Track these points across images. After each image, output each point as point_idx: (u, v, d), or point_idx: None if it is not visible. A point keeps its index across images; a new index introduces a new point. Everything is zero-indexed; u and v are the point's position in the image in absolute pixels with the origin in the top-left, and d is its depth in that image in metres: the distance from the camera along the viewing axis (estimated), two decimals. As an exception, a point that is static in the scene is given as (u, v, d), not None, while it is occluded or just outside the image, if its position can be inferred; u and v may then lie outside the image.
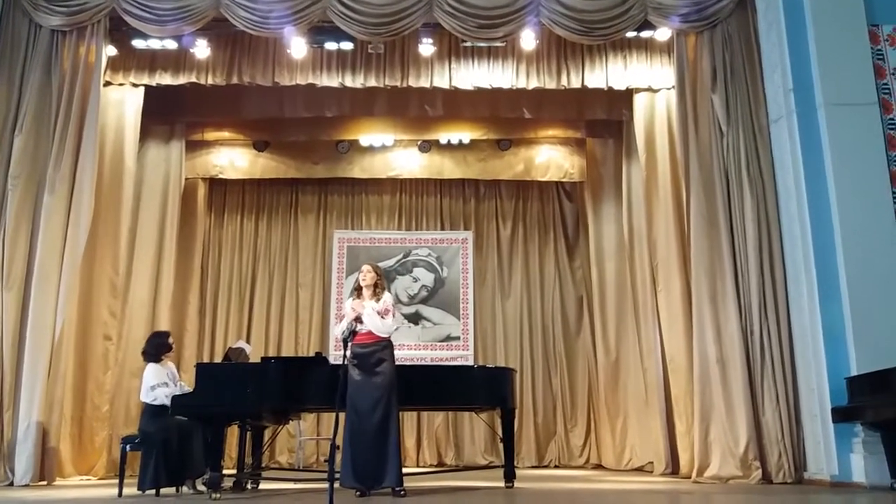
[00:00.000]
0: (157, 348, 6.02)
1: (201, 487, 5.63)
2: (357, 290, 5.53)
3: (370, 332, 5.36)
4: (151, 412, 5.76)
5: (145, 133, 8.63)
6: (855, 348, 6.20)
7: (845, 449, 6.12)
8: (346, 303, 5.60)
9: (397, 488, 5.12)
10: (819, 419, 6.33)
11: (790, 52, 6.97)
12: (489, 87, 8.10)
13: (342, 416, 4.96)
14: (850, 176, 6.55)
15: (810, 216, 6.62)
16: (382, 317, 5.37)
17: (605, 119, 9.15)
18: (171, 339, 6.18)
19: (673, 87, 7.75)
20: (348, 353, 5.21)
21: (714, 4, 7.40)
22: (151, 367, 5.91)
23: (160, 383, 5.79)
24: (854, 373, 6.12)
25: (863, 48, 6.85)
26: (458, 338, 10.16)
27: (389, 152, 10.24)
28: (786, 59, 6.99)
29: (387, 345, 5.40)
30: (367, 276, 5.49)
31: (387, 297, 5.49)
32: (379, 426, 5.19)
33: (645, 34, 7.85)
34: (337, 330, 5.41)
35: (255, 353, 7.87)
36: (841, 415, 6.08)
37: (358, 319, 5.31)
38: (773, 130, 7.14)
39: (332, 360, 6.25)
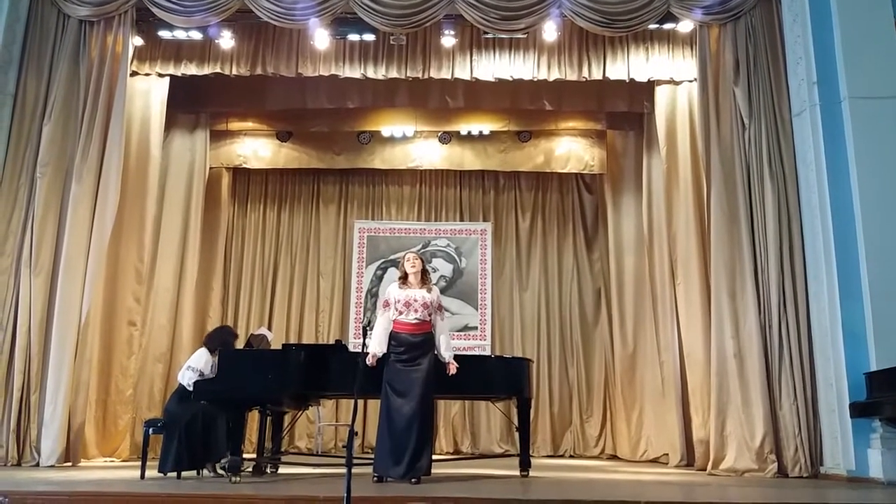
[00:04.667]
0: (220, 344, 5.98)
1: (221, 471, 5.73)
2: (403, 278, 5.59)
3: (422, 322, 5.45)
4: (180, 394, 5.88)
5: (170, 123, 8.76)
6: (875, 343, 6.16)
7: (863, 444, 6.10)
8: (391, 287, 5.64)
9: (416, 477, 5.17)
10: (837, 414, 6.30)
11: (814, 44, 6.91)
12: (510, 78, 8.10)
13: (360, 402, 5.03)
14: (873, 170, 6.49)
15: (832, 211, 6.57)
16: (441, 314, 5.57)
17: (626, 111, 9.10)
18: (235, 340, 6.27)
19: (695, 79, 7.71)
20: (391, 340, 5.41)
21: (738, -4, 7.35)
22: (203, 351, 6.01)
23: (196, 369, 5.88)
24: (873, 368, 6.08)
25: (888, 41, 6.78)
26: (475, 328, 10.21)
27: (410, 143, 10.29)
28: (810, 52, 6.93)
29: (433, 335, 5.52)
30: (415, 263, 5.56)
31: (437, 290, 5.65)
32: (422, 415, 5.25)
33: (667, 26, 7.79)
34: (382, 319, 5.49)
35: (276, 340, 7.97)
36: (859, 410, 6.05)
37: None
38: (796, 124, 7.08)
39: (351, 348, 6.33)
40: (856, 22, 6.78)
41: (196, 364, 5.92)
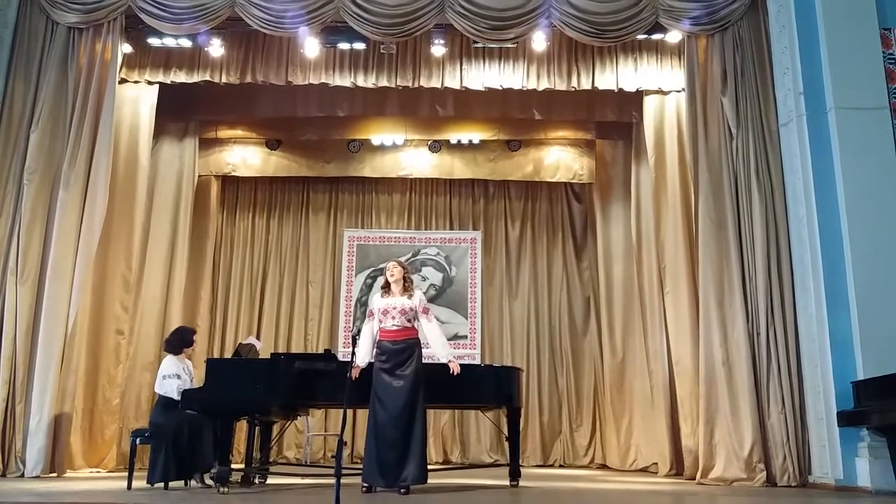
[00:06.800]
0: (180, 341, 6.14)
1: (209, 481, 5.69)
2: (385, 287, 5.58)
3: (403, 328, 5.42)
4: (163, 405, 5.84)
5: (159, 130, 8.72)
6: (861, 352, 6.18)
7: (850, 453, 6.12)
8: (374, 297, 5.66)
9: (405, 486, 5.15)
10: (825, 423, 6.32)
11: (801, 55, 6.95)
12: (500, 87, 8.13)
13: (349, 411, 5.01)
14: (859, 180, 6.53)
15: (819, 220, 6.60)
16: (427, 316, 5.51)
17: (615, 121, 9.15)
18: (195, 338, 6.31)
19: (683, 89, 7.76)
20: (375, 349, 5.38)
21: (725, 7, 7.40)
22: (168, 358, 6.03)
23: (172, 374, 5.88)
24: (860, 377, 6.11)
25: (874, 52, 6.83)
26: (465, 337, 10.20)
27: (400, 152, 10.30)
28: (796, 63, 6.98)
29: (417, 341, 5.48)
30: (394, 271, 5.54)
31: (420, 295, 5.61)
32: (406, 424, 5.23)
33: (656, 36, 7.84)
34: (366, 329, 5.49)
35: (264, 350, 7.93)
36: (847, 419, 6.07)
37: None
38: (783, 134, 7.13)
39: (340, 357, 6.30)
40: (842, 33, 6.84)
41: (169, 371, 5.92)
